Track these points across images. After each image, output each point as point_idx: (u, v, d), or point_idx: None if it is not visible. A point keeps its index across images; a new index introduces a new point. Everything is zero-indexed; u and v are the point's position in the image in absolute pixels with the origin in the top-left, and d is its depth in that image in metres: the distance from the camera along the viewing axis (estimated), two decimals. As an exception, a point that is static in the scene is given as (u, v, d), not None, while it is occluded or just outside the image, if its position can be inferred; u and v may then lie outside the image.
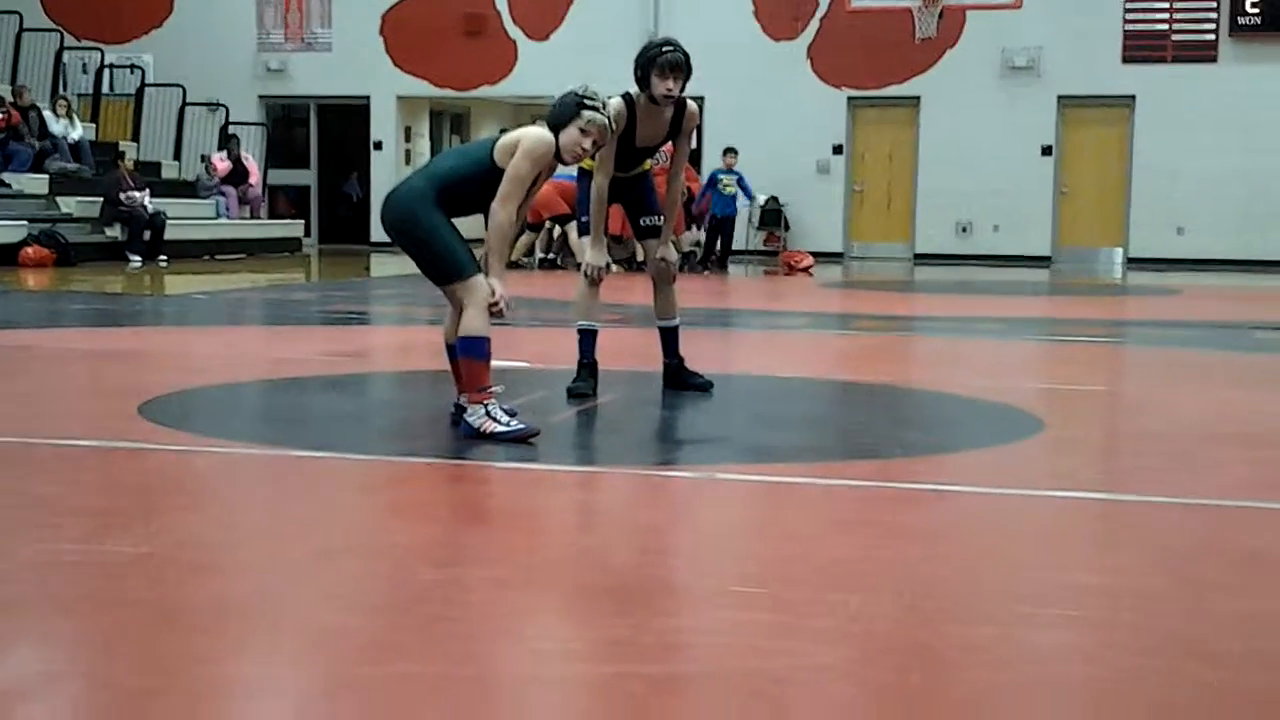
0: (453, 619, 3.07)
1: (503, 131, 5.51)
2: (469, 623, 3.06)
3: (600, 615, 3.12)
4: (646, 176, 6.51)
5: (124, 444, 5.07)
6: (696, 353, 6.87)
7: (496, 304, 5.20)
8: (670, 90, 6.10)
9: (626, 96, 6.18)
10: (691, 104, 6.34)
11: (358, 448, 5.10)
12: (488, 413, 5.14)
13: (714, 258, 18.69)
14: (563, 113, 5.30)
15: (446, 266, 5.22)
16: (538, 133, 5.24)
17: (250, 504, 4.37)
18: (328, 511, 4.18)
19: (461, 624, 3.04)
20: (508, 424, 5.13)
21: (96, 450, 5.00)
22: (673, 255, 6.55)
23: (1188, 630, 3.08)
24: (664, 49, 6.09)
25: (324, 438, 5.36)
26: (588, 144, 5.30)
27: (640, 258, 14.89)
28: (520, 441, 5.08)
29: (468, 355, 5.19)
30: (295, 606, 3.17)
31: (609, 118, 5.32)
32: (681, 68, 6.09)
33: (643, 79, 6.11)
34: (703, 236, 18.76)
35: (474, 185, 5.25)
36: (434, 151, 24.37)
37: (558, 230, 17.94)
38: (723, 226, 18.74)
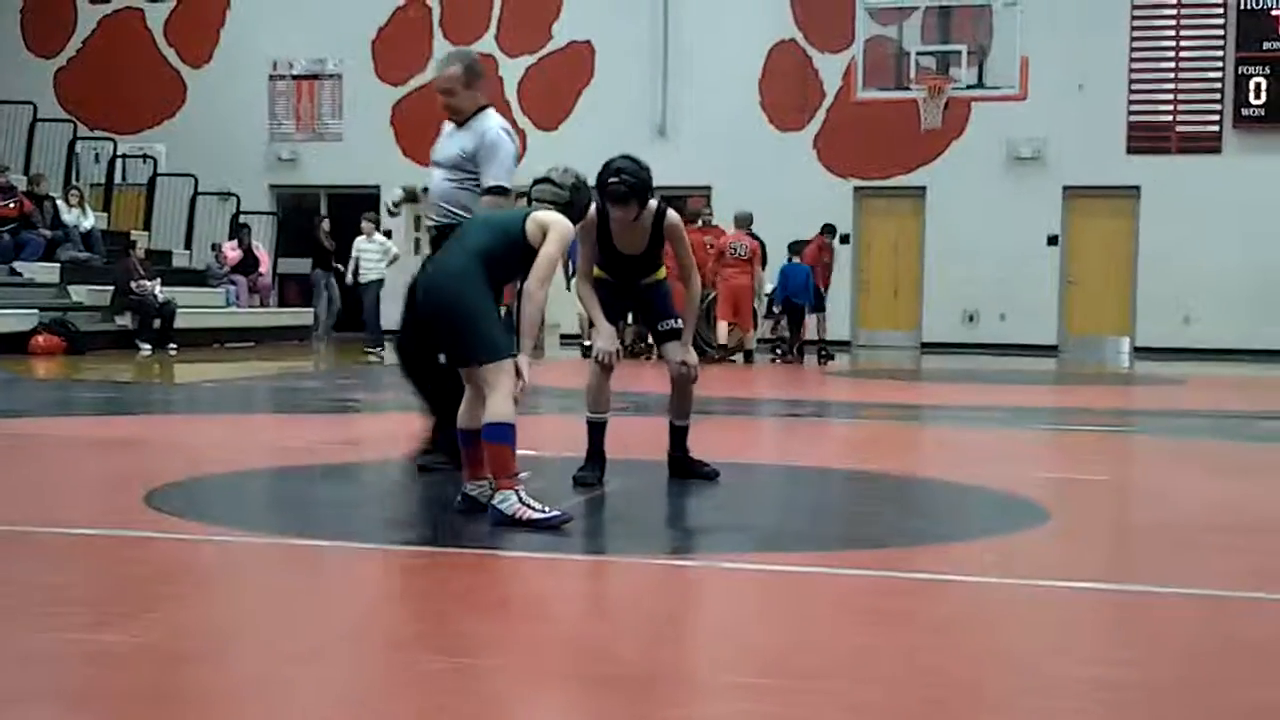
0: (458, 710, 3.05)
1: (525, 203, 5.70)
2: (475, 714, 3.05)
3: (608, 705, 3.11)
4: (661, 285, 6.52)
5: (129, 533, 5.07)
6: (703, 441, 6.87)
7: (521, 385, 5.26)
8: (623, 217, 6.16)
9: (600, 203, 6.21)
10: (671, 214, 6.37)
11: (364, 536, 5.09)
12: (521, 500, 5.13)
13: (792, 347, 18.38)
14: (581, 200, 5.63)
15: (485, 346, 5.23)
16: (565, 220, 5.43)
17: (255, 593, 4.36)
18: (333, 600, 4.17)
19: (467, 715, 3.03)
20: (543, 509, 5.13)
21: (102, 539, 4.99)
22: (693, 358, 6.46)
23: (1195, 723, 3.06)
24: (610, 180, 6.07)
25: (330, 526, 5.35)
26: None
27: (648, 341, 14.74)
28: (555, 529, 5.08)
29: (495, 441, 5.17)
30: (299, 697, 3.16)
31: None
32: (626, 199, 6.10)
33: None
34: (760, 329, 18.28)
35: (510, 259, 5.36)
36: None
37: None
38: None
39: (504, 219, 5.55)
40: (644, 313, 6.59)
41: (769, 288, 18.45)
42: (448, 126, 6.63)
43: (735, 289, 17.18)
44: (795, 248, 18.31)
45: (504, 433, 5.16)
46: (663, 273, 6.50)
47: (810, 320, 18.34)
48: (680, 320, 6.49)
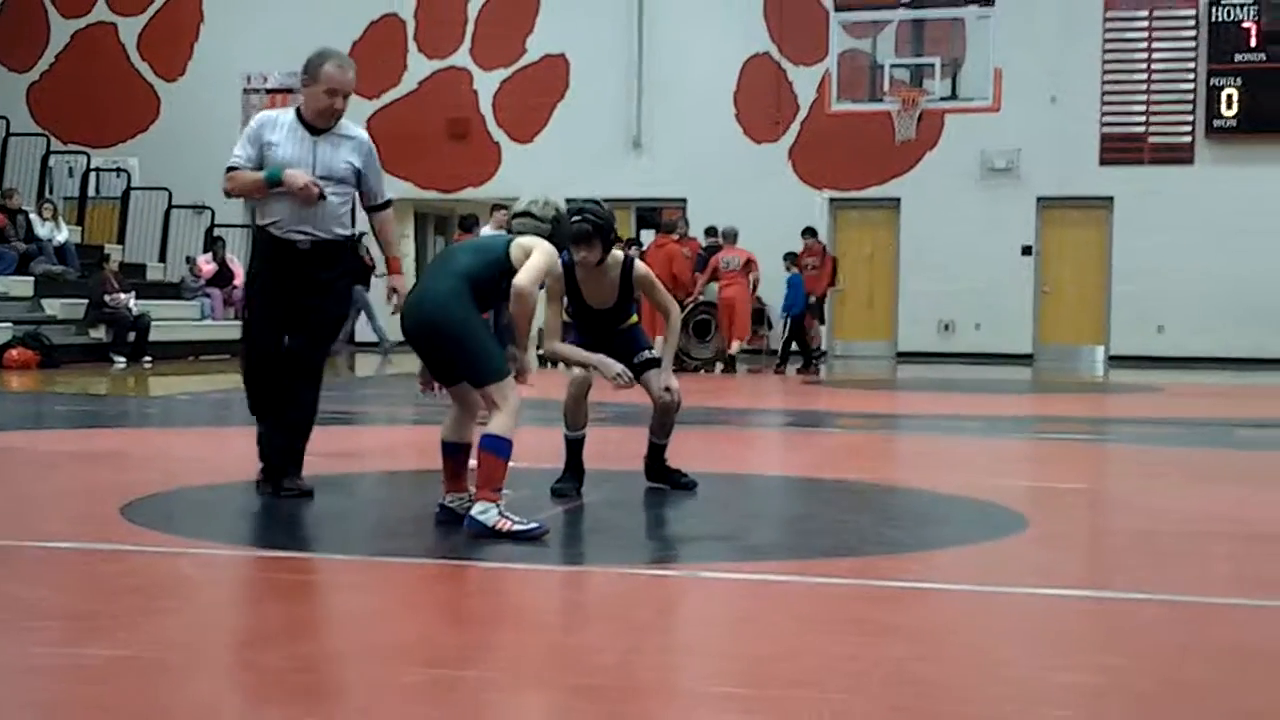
0: (437, 721, 3.04)
1: (509, 231, 5.75)
2: (454, 724, 3.04)
3: (586, 716, 3.10)
4: (633, 328, 6.56)
5: (105, 546, 5.04)
6: (684, 450, 6.87)
7: (523, 374, 5.45)
8: (585, 258, 6.17)
9: (565, 255, 6.20)
10: (639, 265, 6.43)
11: (342, 548, 5.08)
12: (501, 512, 5.17)
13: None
14: (562, 231, 5.72)
15: (489, 368, 5.31)
16: (549, 244, 5.50)
17: (232, 606, 4.34)
18: (311, 613, 4.15)
19: (446, 726, 3.02)
20: (524, 521, 5.15)
21: (78, 552, 4.96)
22: (675, 384, 6.49)
23: (1176, 728, 3.06)
24: (573, 219, 6.06)
25: (308, 538, 5.33)
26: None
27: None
28: (534, 540, 5.10)
29: (491, 452, 5.24)
30: (278, 711, 3.14)
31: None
32: (589, 238, 6.11)
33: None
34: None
35: (494, 282, 5.41)
36: (419, 253, 24.50)
37: None
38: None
39: (490, 244, 5.64)
40: (618, 353, 6.60)
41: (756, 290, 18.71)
42: (287, 131, 6.19)
43: (728, 299, 17.68)
44: (791, 257, 18.50)
45: (502, 446, 5.25)
46: (634, 319, 6.57)
47: (812, 327, 18.58)
48: (651, 350, 6.54)
